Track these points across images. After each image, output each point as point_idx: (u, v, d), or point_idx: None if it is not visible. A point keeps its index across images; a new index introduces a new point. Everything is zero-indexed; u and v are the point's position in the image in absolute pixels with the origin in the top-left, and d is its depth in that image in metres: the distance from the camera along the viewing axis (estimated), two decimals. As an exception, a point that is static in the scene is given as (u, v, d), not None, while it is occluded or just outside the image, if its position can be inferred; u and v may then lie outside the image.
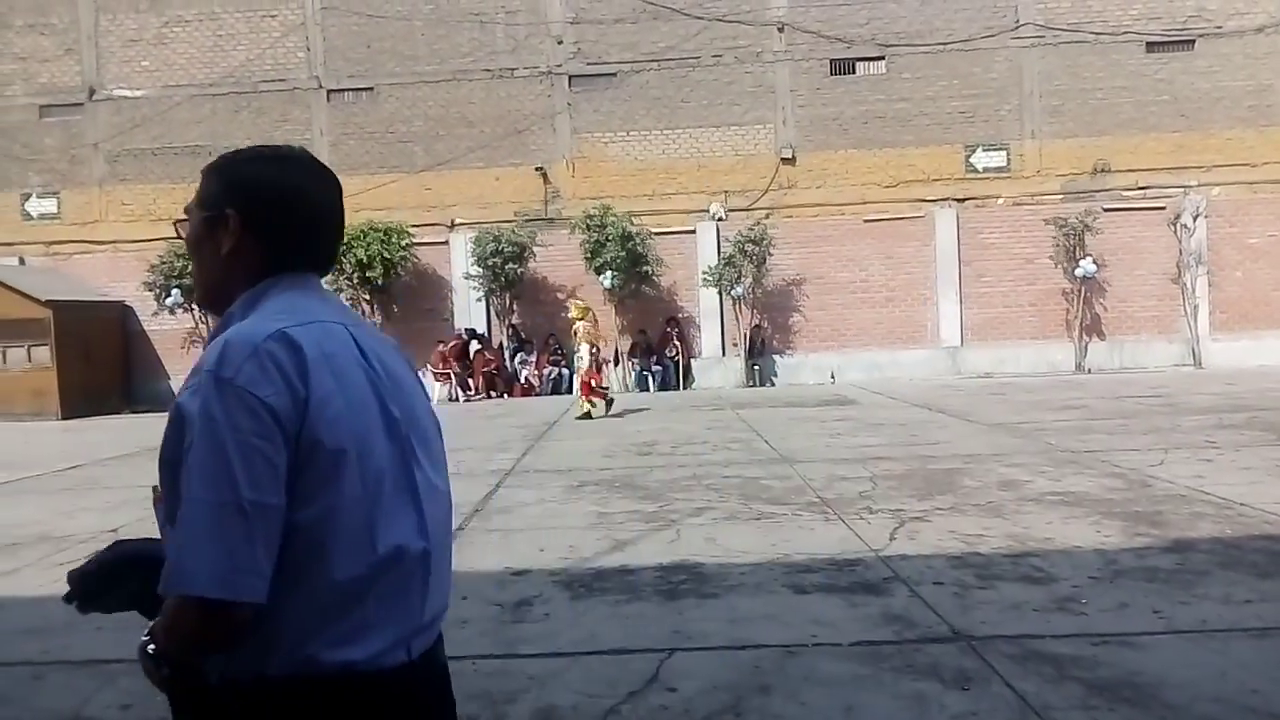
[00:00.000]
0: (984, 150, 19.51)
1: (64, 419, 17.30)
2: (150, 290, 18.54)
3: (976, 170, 19.50)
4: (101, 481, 9.52)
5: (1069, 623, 4.09)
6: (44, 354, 17.62)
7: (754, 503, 6.92)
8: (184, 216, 1.49)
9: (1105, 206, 19.03)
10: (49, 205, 19.92)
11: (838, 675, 3.54)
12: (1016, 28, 19.35)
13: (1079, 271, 18.65)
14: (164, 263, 18.40)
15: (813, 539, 5.72)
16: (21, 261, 19.64)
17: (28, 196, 19.96)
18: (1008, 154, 19.50)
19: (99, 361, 18.58)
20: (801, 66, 19.48)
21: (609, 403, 14.03)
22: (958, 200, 19.45)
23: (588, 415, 13.51)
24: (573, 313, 14.15)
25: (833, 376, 19.14)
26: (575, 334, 14.01)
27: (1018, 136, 19.42)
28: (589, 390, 13.75)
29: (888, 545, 5.50)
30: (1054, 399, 13.78)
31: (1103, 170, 19.30)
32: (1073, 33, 19.22)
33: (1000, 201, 19.49)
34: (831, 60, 19.48)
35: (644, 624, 4.28)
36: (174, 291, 18.29)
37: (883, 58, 19.47)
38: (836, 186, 19.49)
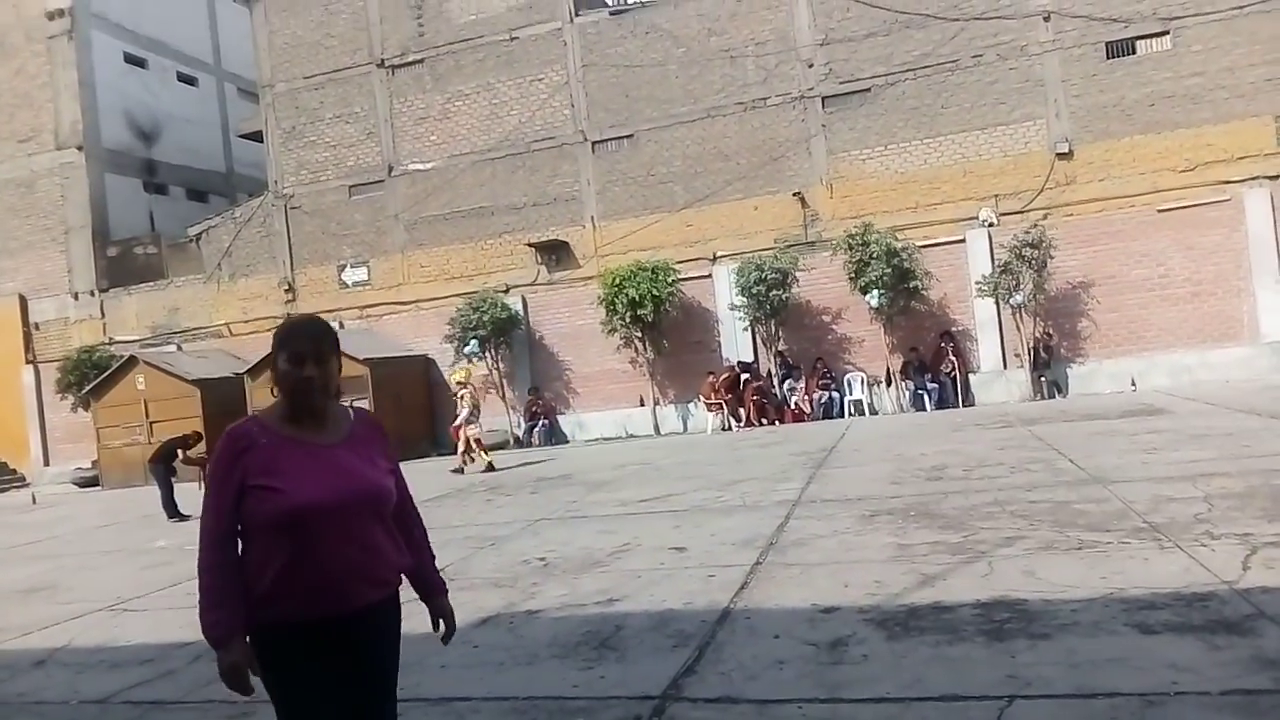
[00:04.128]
0: (1300, 117, 17.26)
1: (383, 464, 19.18)
2: (449, 342, 20.27)
3: (1292, 141, 17.28)
4: (426, 523, 10.43)
5: None
6: (363, 406, 19.67)
7: (1070, 530, 6.43)
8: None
9: None
10: (360, 274, 22.36)
11: (1213, 730, 3.19)
12: (1329, -25, 17.05)
13: None
14: (461, 315, 20.07)
15: (1149, 570, 5.22)
16: (341, 325, 22.12)
17: (343, 267, 22.53)
18: (1331, 118, 17.14)
19: (408, 410, 20.51)
20: (1073, 54, 18.18)
21: (489, 464, 15.06)
22: (1270, 178, 17.30)
23: (490, 467, 14.89)
24: (457, 376, 15.28)
25: (1133, 383, 17.53)
26: (460, 399, 15.08)
27: (1343, 97, 17.03)
28: (468, 447, 15.07)
29: (1242, 576, 4.91)
30: None
31: None
32: (1405, -31, 16.65)
33: (1326, 172, 17.15)
34: (1107, 43, 18.03)
35: (973, 668, 4.07)
36: (471, 343, 19.89)
37: (1166, 33, 17.78)
38: (1123, 177, 17.94)
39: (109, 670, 5.58)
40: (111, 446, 21.27)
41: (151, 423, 20.56)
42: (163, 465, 13.36)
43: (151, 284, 24.49)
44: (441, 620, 2.81)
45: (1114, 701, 3.51)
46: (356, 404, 2.63)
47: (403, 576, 2.70)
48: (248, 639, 2.43)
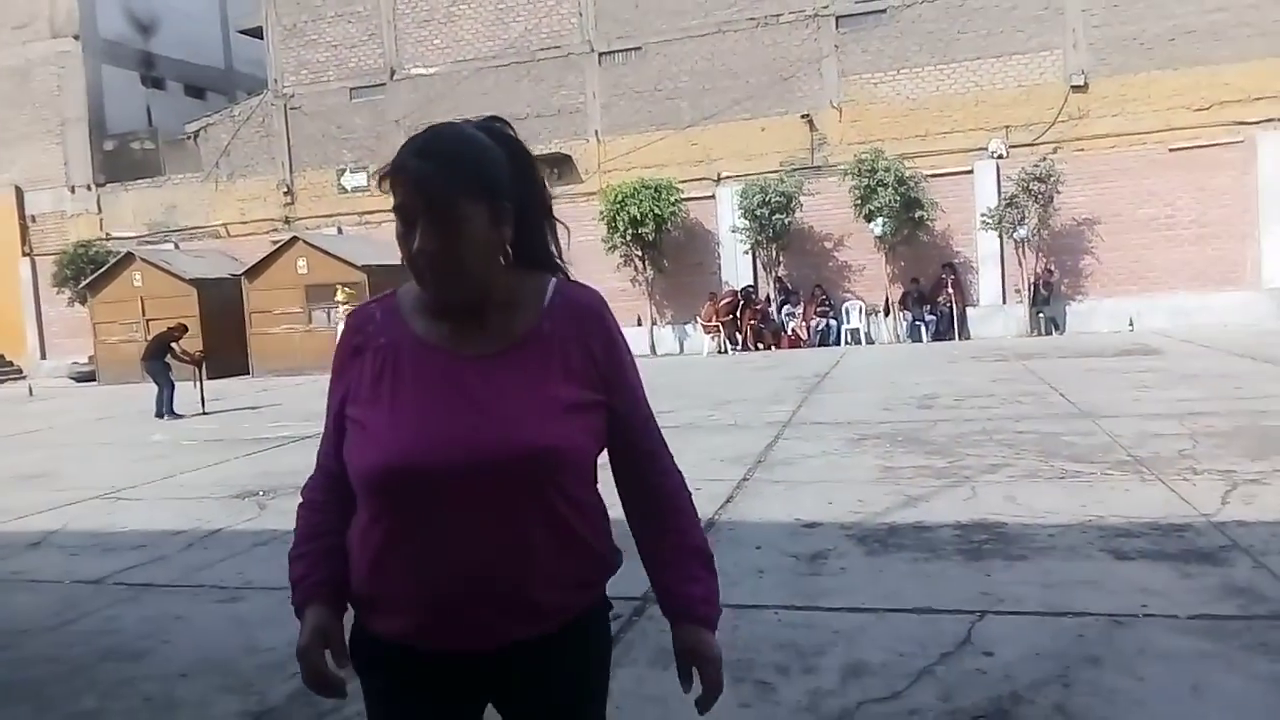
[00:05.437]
0: (1321, 60, 16.92)
1: (378, 371, 19.26)
2: (446, 253, 20.13)
3: (1311, 84, 16.96)
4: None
5: None
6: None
7: (1055, 460, 6.50)
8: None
9: None
10: (360, 179, 22.08)
11: (1178, 650, 3.26)
12: (1368, -89, 16.53)
13: None
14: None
15: (1129, 500, 5.29)
16: (339, 231, 21.97)
17: (342, 171, 22.25)
18: (1352, 63, 16.80)
19: (405, 319, 20.46)
20: (1096, -17, 17.73)
21: None
22: (1286, 120, 17.05)
23: None
24: (340, 299, 14.77)
25: (1131, 324, 17.52)
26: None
27: (1367, 41, 16.66)
28: None
29: (1220, 510, 4.98)
30: None
31: None
32: None
33: (1342, 118, 16.88)
34: (1132, -28, 17.58)
35: (948, 584, 4.15)
36: (466, 254, 19.79)
37: (1197, -37, 17.31)
38: (1136, 113, 17.65)
39: (103, 554, 5.68)
40: (108, 342, 21.29)
41: (148, 320, 20.47)
42: (159, 362, 13.24)
43: (149, 180, 24.23)
44: (695, 668, 1.51)
45: (1083, 620, 3.59)
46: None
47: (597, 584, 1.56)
48: (339, 612, 1.49)
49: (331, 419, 1.53)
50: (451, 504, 1.40)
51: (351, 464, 1.46)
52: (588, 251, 20.01)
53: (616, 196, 18.76)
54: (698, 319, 19.42)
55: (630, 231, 18.77)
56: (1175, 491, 5.42)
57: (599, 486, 1.52)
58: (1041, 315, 17.93)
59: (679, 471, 1.60)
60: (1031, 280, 17.89)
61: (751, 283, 19.52)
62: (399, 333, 1.49)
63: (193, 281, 20.55)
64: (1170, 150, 17.43)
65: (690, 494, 1.60)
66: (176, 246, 23.12)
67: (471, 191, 1.39)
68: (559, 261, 1.57)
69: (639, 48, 20.11)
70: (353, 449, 1.46)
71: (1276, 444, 6.55)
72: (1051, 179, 17.17)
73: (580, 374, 1.48)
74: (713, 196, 19.77)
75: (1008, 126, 18.26)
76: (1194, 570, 4.09)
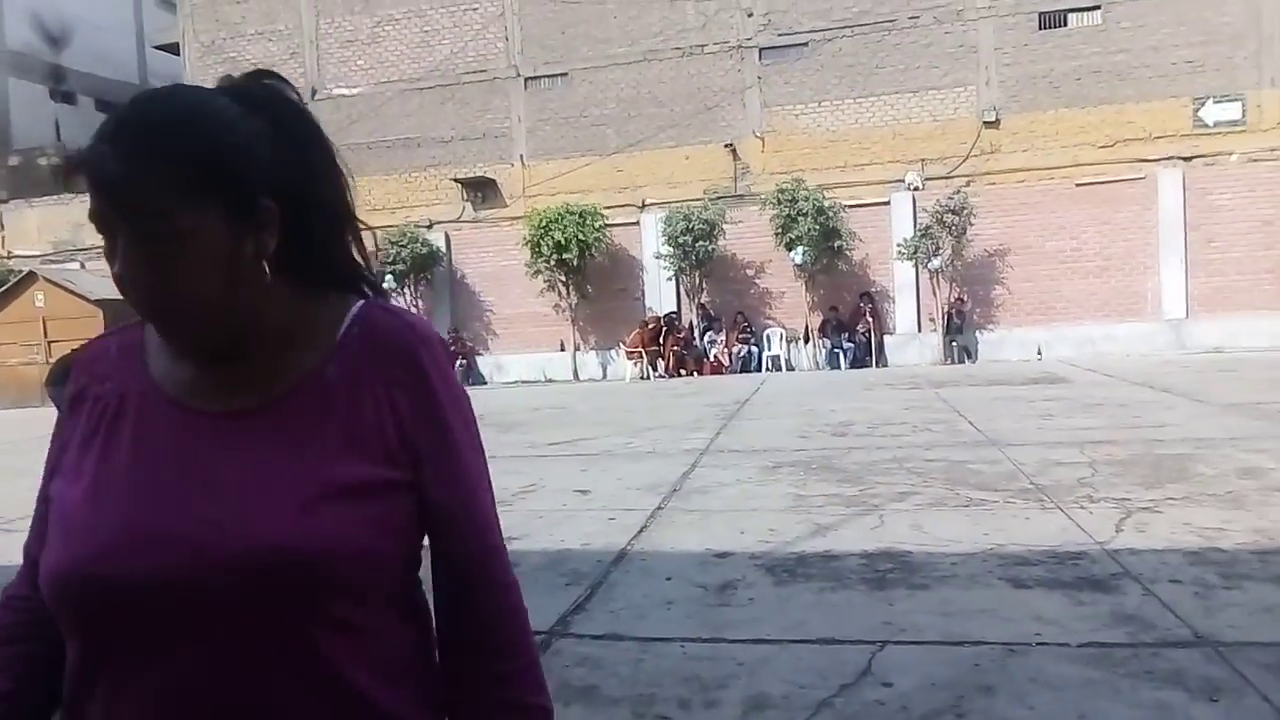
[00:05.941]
0: (1215, 103, 17.79)
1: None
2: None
3: (1206, 125, 17.82)
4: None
5: (1334, 632, 3.69)
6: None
7: (961, 488, 6.64)
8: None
9: (1364, 160, 16.98)
10: (278, 199, 21.65)
11: (1067, 678, 3.34)
12: (1255, -36, 17.51)
13: (1330, 233, 16.75)
14: (380, 249, 19.63)
15: (1029, 529, 5.43)
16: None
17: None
18: (1243, 106, 17.70)
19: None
20: (1007, 23, 18.38)
21: None
22: (1184, 159, 17.86)
23: None
24: None
25: (1039, 353, 18.10)
26: None
27: (1255, 85, 17.58)
28: None
29: (1114, 538, 5.14)
30: (1300, 376, 12.47)
31: (1360, 119, 17.20)
32: (1325, -36, 17.18)
33: (1234, 158, 17.75)
34: (1040, 13, 18.27)
35: (852, 613, 4.19)
36: (388, 277, 19.52)
37: (1098, 7, 18.09)
38: (1045, 149, 18.32)
39: (-16, 591, 5.39)
40: (7, 364, 20.40)
41: (50, 342, 19.74)
42: (63, 387, 12.73)
43: (55, 197, 23.35)
44: None
45: (979, 649, 3.66)
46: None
47: None
48: None
49: (42, 494, 1.08)
50: (157, 636, 0.94)
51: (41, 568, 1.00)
52: (510, 276, 20.00)
53: (541, 221, 18.74)
54: (621, 344, 19.45)
55: (554, 257, 18.75)
56: (1073, 519, 5.57)
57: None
58: (955, 344, 18.41)
59: (515, 583, 1.10)
60: (945, 309, 18.36)
61: (675, 309, 19.64)
62: (131, 376, 1.08)
63: (98, 302, 19.79)
64: (1077, 185, 18.12)
65: (526, 614, 1.11)
66: (83, 266, 22.30)
67: (188, 189, 0.94)
68: (370, 279, 1.12)
69: (565, 74, 20.19)
70: (45, 542, 1.02)
71: (1169, 472, 6.79)
72: (965, 211, 17.69)
73: (373, 440, 1.01)
74: (637, 223, 19.88)
75: (923, 160, 18.77)
76: (1086, 598, 4.20)
